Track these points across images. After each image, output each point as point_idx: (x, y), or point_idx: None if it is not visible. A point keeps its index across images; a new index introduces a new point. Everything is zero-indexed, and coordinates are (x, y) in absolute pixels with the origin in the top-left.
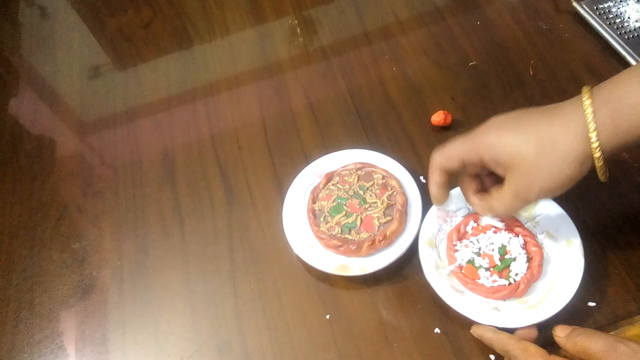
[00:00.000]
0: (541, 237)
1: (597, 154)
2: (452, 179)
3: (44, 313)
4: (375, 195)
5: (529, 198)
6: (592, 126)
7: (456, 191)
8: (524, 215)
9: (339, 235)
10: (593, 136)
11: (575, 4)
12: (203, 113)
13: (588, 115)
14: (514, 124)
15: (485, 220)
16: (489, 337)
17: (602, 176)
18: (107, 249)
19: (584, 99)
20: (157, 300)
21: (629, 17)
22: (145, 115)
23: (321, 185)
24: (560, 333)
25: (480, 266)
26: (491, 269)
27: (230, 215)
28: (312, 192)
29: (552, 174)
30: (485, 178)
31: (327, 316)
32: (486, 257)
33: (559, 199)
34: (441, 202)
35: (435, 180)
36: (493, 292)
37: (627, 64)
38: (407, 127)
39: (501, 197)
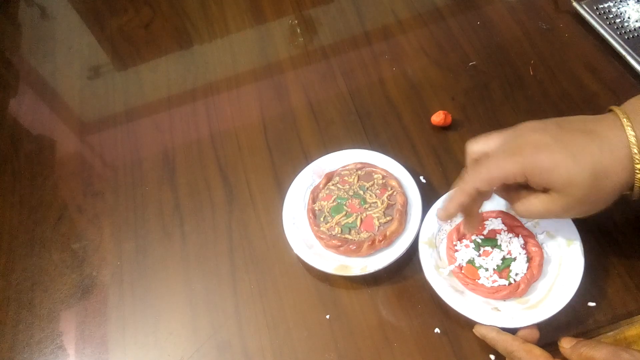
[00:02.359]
0: (541, 237)
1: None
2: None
3: (44, 313)
4: (375, 195)
5: (562, 216)
6: (635, 150)
7: None
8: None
9: (339, 235)
10: (637, 161)
11: (575, 4)
12: (203, 113)
13: (634, 148)
14: (564, 147)
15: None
16: (492, 337)
17: (636, 197)
18: (107, 249)
19: (627, 127)
20: (157, 300)
21: (629, 17)
22: (145, 115)
23: (321, 185)
24: (566, 345)
25: (480, 266)
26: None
27: (230, 215)
28: (312, 192)
29: (598, 201)
30: None
31: (327, 316)
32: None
33: None
34: (450, 219)
35: (461, 200)
36: (493, 292)
37: (627, 64)
38: (407, 127)
39: (533, 204)
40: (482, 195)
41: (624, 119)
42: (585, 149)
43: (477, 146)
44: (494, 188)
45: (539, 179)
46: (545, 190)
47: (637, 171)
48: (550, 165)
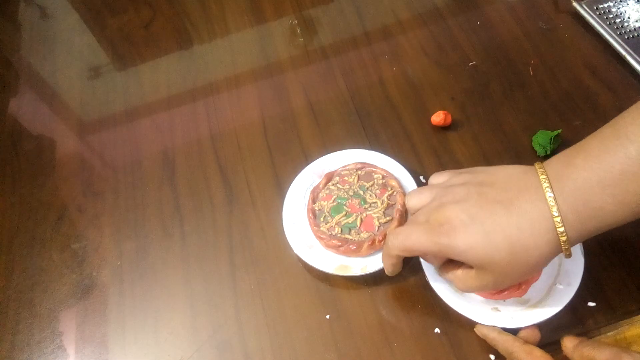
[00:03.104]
0: None
1: (567, 252)
2: None
3: (44, 313)
4: (375, 195)
5: (491, 288)
6: (561, 230)
7: None
8: None
9: (339, 235)
10: (560, 231)
11: (575, 4)
12: (203, 113)
13: (557, 224)
14: (481, 225)
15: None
16: (492, 337)
17: (567, 256)
18: (107, 249)
19: (549, 199)
20: (157, 300)
21: (629, 17)
22: (145, 115)
23: (321, 185)
24: (569, 343)
25: None
26: None
27: (230, 215)
28: (312, 192)
29: (523, 271)
30: None
31: (327, 316)
32: None
33: None
34: (396, 273)
35: (391, 263)
36: (493, 293)
37: (627, 64)
38: (407, 127)
39: (468, 281)
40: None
41: (546, 187)
42: (501, 227)
43: (412, 202)
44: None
45: (457, 258)
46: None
47: (562, 242)
48: (465, 247)
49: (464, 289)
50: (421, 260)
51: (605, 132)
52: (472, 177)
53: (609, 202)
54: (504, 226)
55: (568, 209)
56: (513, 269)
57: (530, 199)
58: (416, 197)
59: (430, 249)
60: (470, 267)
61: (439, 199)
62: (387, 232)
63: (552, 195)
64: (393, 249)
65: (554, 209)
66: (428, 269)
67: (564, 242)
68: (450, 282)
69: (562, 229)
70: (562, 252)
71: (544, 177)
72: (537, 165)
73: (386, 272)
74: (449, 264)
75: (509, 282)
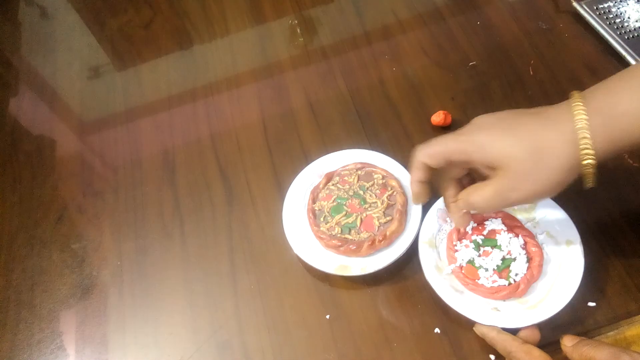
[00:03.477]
0: (541, 237)
1: (589, 161)
2: (435, 177)
3: (44, 313)
4: (375, 195)
5: (510, 199)
6: (585, 133)
7: None
8: (523, 215)
9: (339, 235)
10: (585, 144)
11: (575, 4)
12: (203, 113)
13: (579, 122)
14: (506, 125)
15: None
16: (491, 336)
17: (589, 183)
18: (107, 249)
19: (575, 105)
20: (157, 300)
21: (629, 17)
22: (145, 115)
23: (321, 185)
24: (568, 343)
25: (480, 266)
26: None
27: (230, 215)
28: (312, 192)
29: (541, 178)
30: (467, 184)
31: (327, 316)
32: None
33: (558, 199)
34: (422, 201)
35: (417, 177)
36: (493, 293)
37: (627, 64)
38: (407, 127)
39: (482, 190)
40: (434, 174)
41: (580, 104)
42: (526, 126)
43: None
44: (441, 164)
45: (478, 155)
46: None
47: (587, 156)
48: (488, 140)
49: (478, 201)
50: (421, 260)
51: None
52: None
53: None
54: (528, 126)
55: (593, 111)
56: (531, 167)
57: (562, 111)
58: (430, 144)
59: (452, 146)
60: (486, 181)
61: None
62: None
63: (584, 109)
64: (418, 156)
65: (584, 121)
66: (428, 269)
67: (590, 156)
68: (463, 203)
69: (585, 132)
70: (581, 172)
71: (579, 97)
72: (573, 92)
73: (413, 198)
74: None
75: (525, 189)
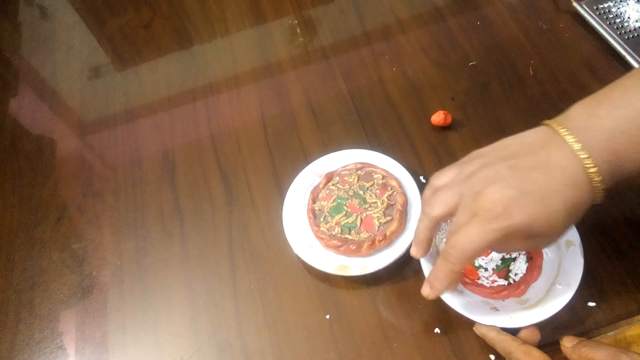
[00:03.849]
0: None
1: (602, 198)
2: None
3: (44, 313)
4: (375, 195)
5: (539, 249)
6: (599, 179)
7: None
8: None
9: (339, 235)
10: (592, 173)
11: (575, 4)
12: (203, 113)
13: (591, 169)
14: (533, 195)
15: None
16: (491, 336)
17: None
18: (107, 249)
19: (581, 155)
20: (157, 300)
21: (629, 17)
22: (145, 115)
23: (321, 185)
24: (568, 344)
25: (480, 266)
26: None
27: (230, 215)
28: (312, 192)
29: (568, 228)
30: None
31: (327, 316)
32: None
33: None
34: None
35: (455, 280)
36: (493, 292)
37: (627, 64)
38: (407, 127)
39: (535, 245)
40: None
41: (573, 142)
42: (551, 190)
43: (439, 210)
44: None
45: (520, 235)
46: None
47: (599, 191)
48: (528, 221)
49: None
50: (421, 260)
51: (627, 83)
52: (485, 158)
53: (634, 152)
54: (552, 188)
55: (600, 159)
56: (568, 225)
57: (562, 156)
58: (441, 205)
59: (493, 239)
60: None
61: (470, 190)
62: (440, 255)
63: (582, 147)
64: (458, 262)
65: (588, 160)
66: (428, 269)
67: (601, 190)
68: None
69: (599, 178)
70: (596, 199)
71: (567, 132)
72: (551, 123)
73: (444, 290)
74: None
75: (554, 241)
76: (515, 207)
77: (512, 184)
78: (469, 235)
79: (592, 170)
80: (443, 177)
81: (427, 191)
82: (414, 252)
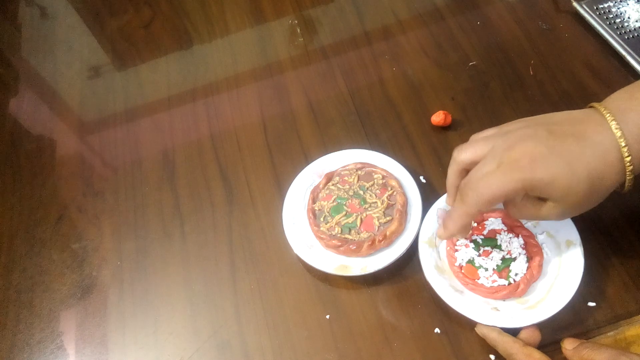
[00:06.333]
0: (541, 237)
1: (630, 183)
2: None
3: (44, 313)
4: (375, 195)
5: (561, 219)
6: (624, 149)
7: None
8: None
9: (339, 235)
10: (627, 157)
11: (575, 4)
12: (203, 113)
13: (623, 150)
14: (558, 155)
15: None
16: (493, 337)
17: (628, 188)
18: (107, 249)
19: (615, 130)
20: (157, 300)
21: (629, 17)
22: (145, 115)
23: (321, 185)
24: (569, 346)
25: (480, 266)
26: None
27: (230, 215)
28: (312, 192)
29: (591, 203)
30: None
31: (327, 316)
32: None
33: None
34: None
35: (465, 223)
36: (493, 292)
37: (627, 64)
38: (407, 127)
39: (540, 212)
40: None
41: (611, 120)
42: (580, 157)
43: (466, 155)
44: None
45: (538, 192)
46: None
47: (627, 172)
48: (549, 178)
49: (520, 217)
50: (421, 260)
51: None
52: (527, 121)
53: None
54: (582, 156)
55: (633, 140)
56: (588, 198)
57: (599, 131)
58: (470, 150)
59: (512, 189)
60: (541, 199)
61: (504, 142)
62: (460, 188)
63: (618, 126)
64: (473, 204)
65: (622, 139)
66: (428, 269)
67: (630, 171)
68: (527, 215)
69: (629, 158)
70: (624, 182)
71: (606, 112)
72: (594, 104)
73: (445, 234)
74: (514, 202)
75: (572, 214)
76: (540, 162)
77: (545, 143)
78: (490, 180)
79: (624, 149)
80: (482, 132)
81: (458, 167)
82: (442, 234)
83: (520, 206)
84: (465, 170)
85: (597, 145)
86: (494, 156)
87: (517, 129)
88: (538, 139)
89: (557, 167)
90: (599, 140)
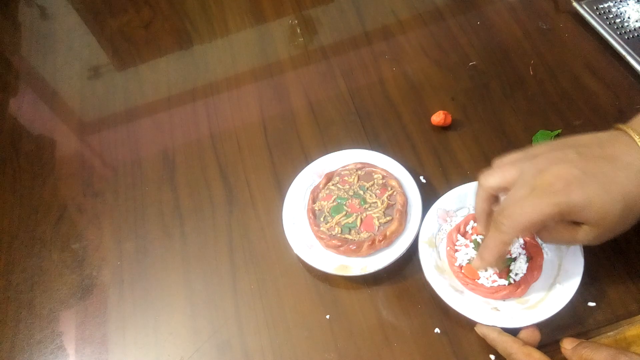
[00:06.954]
0: None
1: None
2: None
3: (44, 313)
4: (375, 195)
5: (596, 243)
6: None
7: (457, 191)
8: None
9: (339, 235)
10: None
11: (575, 4)
12: (203, 113)
13: None
14: (594, 178)
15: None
16: (492, 337)
17: None
18: (107, 249)
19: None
20: (157, 300)
21: (629, 17)
22: (145, 115)
23: (321, 185)
24: (568, 345)
25: None
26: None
27: (230, 215)
28: (312, 192)
29: (626, 226)
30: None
31: (327, 316)
32: None
33: None
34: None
35: (502, 252)
36: (493, 292)
37: (627, 64)
38: (407, 127)
39: (574, 236)
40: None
41: (638, 139)
42: (614, 180)
43: (494, 180)
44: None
45: (573, 216)
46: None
47: None
48: (585, 201)
49: (551, 242)
50: (421, 260)
51: None
52: (554, 145)
53: None
54: (616, 179)
55: None
56: (623, 221)
57: (628, 153)
58: (497, 175)
59: (548, 213)
60: (576, 223)
61: (534, 166)
62: (494, 217)
63: None
64: (510, 232)
65: None
66: (428, 269)
67: None
68: (552, 243)
69: None
70: None
71: (634, 133)
72: (619, 126)
73: (480, 264)
74: (548, 228)
75: (612, 236)
76: (575, 186)
77: (578, 165)
78: (525, 205)
79: None
80: (507, 158)
81: (485, 193)
82: (478, 264)
83: (554, 232)
84: (494, 196)
85: (630, 166)
86: (526, 181)
87: (545, 152)
88: (569, 161)
89: (592, 190)
90: (630, 162)
